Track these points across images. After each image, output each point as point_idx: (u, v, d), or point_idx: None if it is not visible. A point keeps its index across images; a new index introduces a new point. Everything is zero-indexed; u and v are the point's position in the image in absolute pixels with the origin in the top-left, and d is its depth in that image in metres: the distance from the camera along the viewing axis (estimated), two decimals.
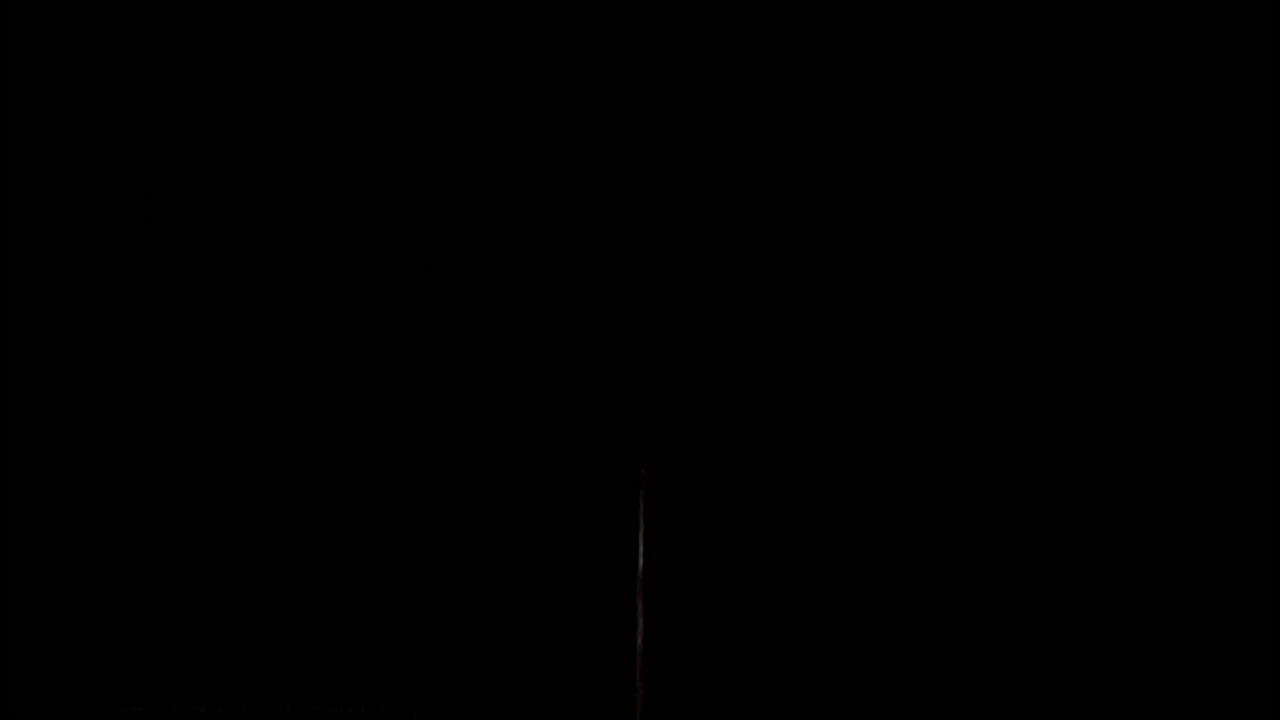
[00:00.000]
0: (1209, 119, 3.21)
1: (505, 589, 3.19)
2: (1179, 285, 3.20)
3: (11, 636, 3.14)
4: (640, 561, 3.19)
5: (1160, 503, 3.17)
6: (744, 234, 3.24)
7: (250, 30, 3.24)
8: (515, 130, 3.26)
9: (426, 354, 3.23)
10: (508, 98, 3.26)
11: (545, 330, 3.24)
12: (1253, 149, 3.19)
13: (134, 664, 3.15)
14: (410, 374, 3.22)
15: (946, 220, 3.23)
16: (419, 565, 3.19)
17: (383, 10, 3.26)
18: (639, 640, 3.17)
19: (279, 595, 3.17)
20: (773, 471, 3.20)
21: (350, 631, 3.17)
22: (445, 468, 3.21)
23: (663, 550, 3.20)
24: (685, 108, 3.26)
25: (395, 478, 3.20)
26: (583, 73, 3.26)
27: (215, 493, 3.18)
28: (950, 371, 3.20)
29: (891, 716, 3.15)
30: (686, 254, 3.25)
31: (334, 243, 3.24)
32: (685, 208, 3.25)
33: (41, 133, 3.23)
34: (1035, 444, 3.19)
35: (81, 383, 3.19)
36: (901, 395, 3.20)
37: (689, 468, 3.21)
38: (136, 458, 3.19)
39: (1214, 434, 3.17)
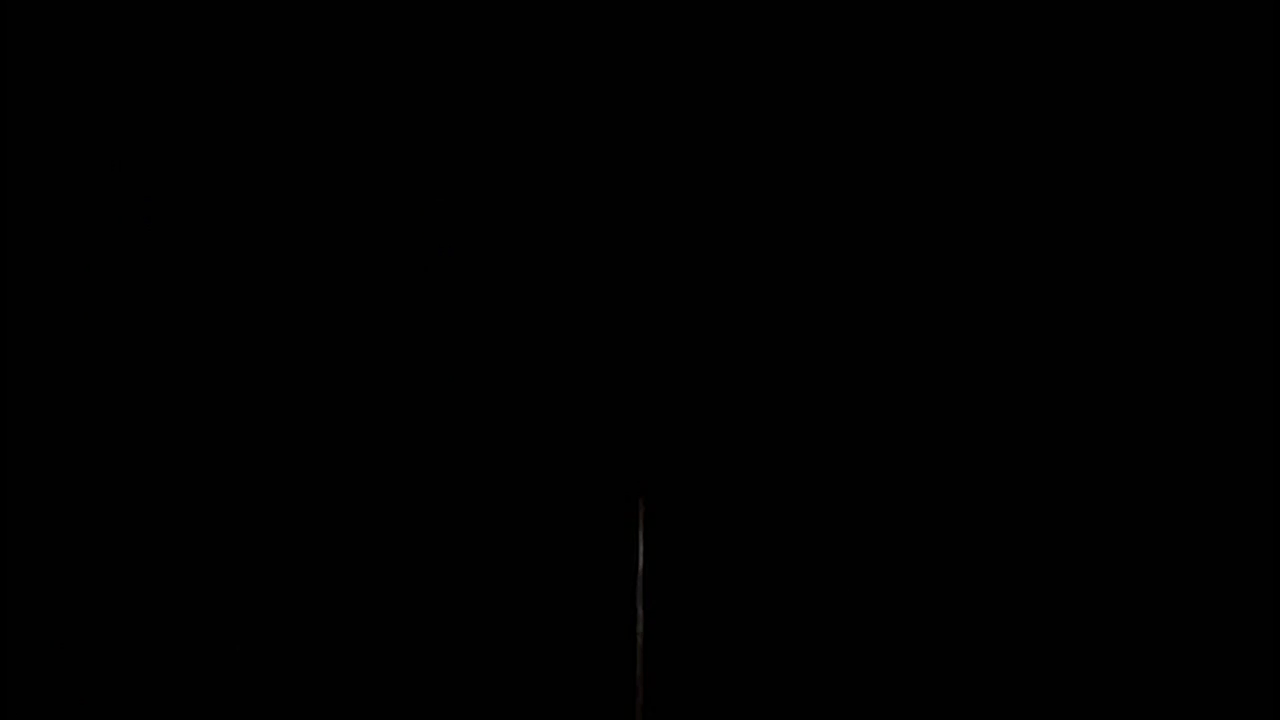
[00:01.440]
0: (1202, 119, 3.22)
1: (505, 589, 3.19)
2: (1172, 284, 3.20)
3: (11, 637, 3.15)
4: (640, 561, 3.19)
5: (1148, 500, 3.17)
6: (741, 242, 3.25)
7: (250, 30, 3.25)
8: (516, 139, 3.27)
9: (430, 357, 3.23)
10: (508, 100, 3.27)
11: (548, 337, 3.24)
12: (1252, 150, 3.20)
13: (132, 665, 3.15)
14: (415, 376, 3.22)
15: (939, 237, 3.23)
16: (418, 566, 3.19)
17: (383, 10, 3.26)
18: (639, 640, 3.17)
19: (285, 598, 3.18)
20: (770, 474, 3.20)
21: (351, 630, 3.17)
22: (444, 471, 3.21)
23: (662, 550, 3.20)
24: (687, 124, 3.26)
25: (400, 479, 3.20)
26: (584, 76, 3.27)
27: (211, 493, 3.19)
28: (943, 383, 3.21)
29: (889, 715, 3.15)
30: (686, 263, 3.25)
31: (335, 249, 3.24)
32: (686, 217, 3.26)
33: (41, 133, 3.23)
34: (1028, 453, 3.19)
35: (81, 383, 3.20)
36: (896, 398, 3.21)
37: (688, 469, 3.21)
38: (136, 458, 3.19)
39: (1210, 434, 3.17)
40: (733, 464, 3.21)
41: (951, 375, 3.21)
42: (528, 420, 3.22)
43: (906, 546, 3.18)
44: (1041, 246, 3.22)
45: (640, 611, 3.18)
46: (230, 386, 3.21)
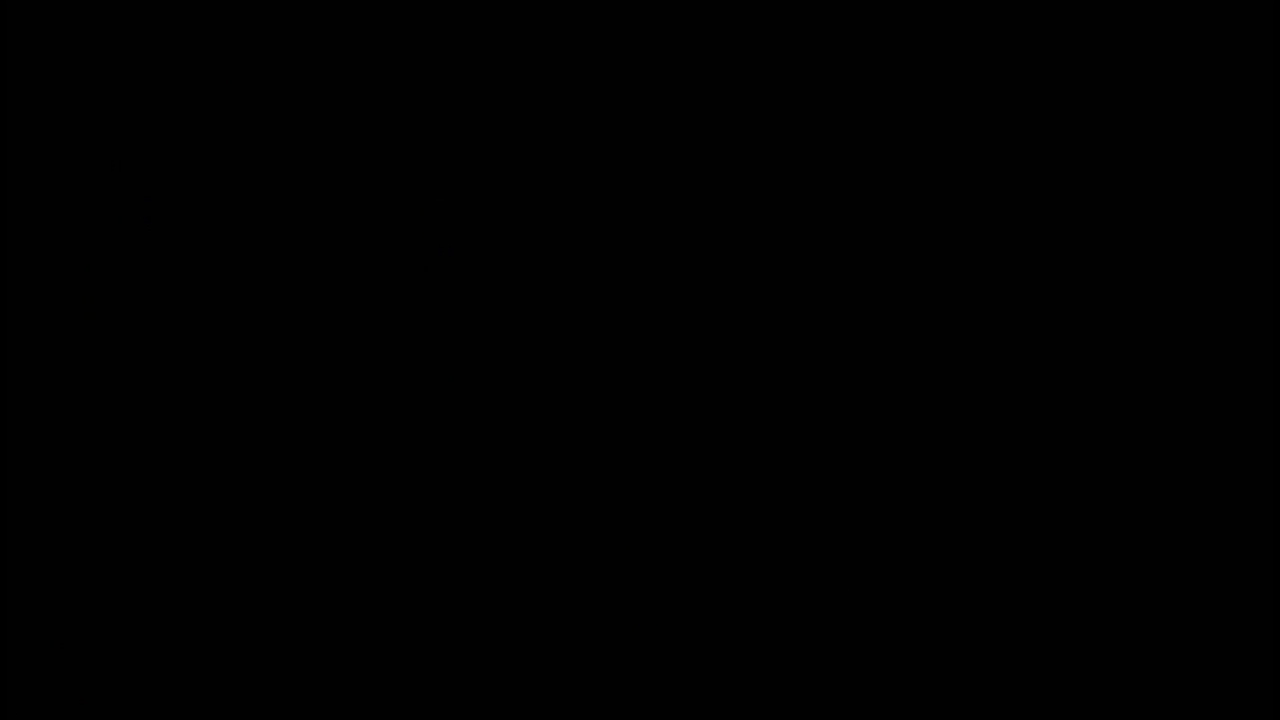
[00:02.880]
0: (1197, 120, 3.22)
1: (505, 588, 3.19)
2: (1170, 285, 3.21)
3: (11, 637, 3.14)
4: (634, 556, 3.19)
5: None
6: (737, 239, 3.25)
7: (250, 30, 3.25)
8: (515, 129, 3.26)
9: (430, 354, 3.23)
10: (508, 97, 3.26)
11: (547, 331, 3.24)
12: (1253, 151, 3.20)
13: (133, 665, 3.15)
14: (413, 374, 3.22)
15: (936, 233, 3.23)
16: (418, 564, 3.19)
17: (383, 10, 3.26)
18: (639, 639, 3.18)
19: (282, 596, 3.18)
20: (767, 471, 3.20)
21: (351, 629, 3.17)
22: (444, 466, 3.21)
23: (660, 544, 3.20)
24: (684, 109, 3.26)
25: (397, 476, 3.20)
26: (583, 72, 3.27)
27: (208, 493, 3.18)
28: (940, 375, 3.21)
29: (887, 714, 3.15)
30: (686, 257, 3.25)
31: (334, 242, 3.24)
32: (685, 209, 3.25)
33: (41, 133, 3.23)
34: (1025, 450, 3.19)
35: (81, 383, 3.20)
36: (894, 394, 3.21)
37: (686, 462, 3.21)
38: (136, 458, 3.19)
39: (1212, 435, 3.17)
40: (729, 459, 3.21)
41: (948, 373, 3.21)
42: (525, 413, 3.22)
43: (904, 544, 3.18)
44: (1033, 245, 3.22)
45: (641, 607, 3.18)
46: (230, 386, 3.21)
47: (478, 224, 3.25)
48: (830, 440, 3.20)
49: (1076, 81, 3.23)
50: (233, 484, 3.19)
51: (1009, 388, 3.20)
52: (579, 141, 3.26)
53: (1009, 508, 3.17)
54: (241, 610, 3.16)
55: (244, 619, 3.16)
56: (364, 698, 3.16)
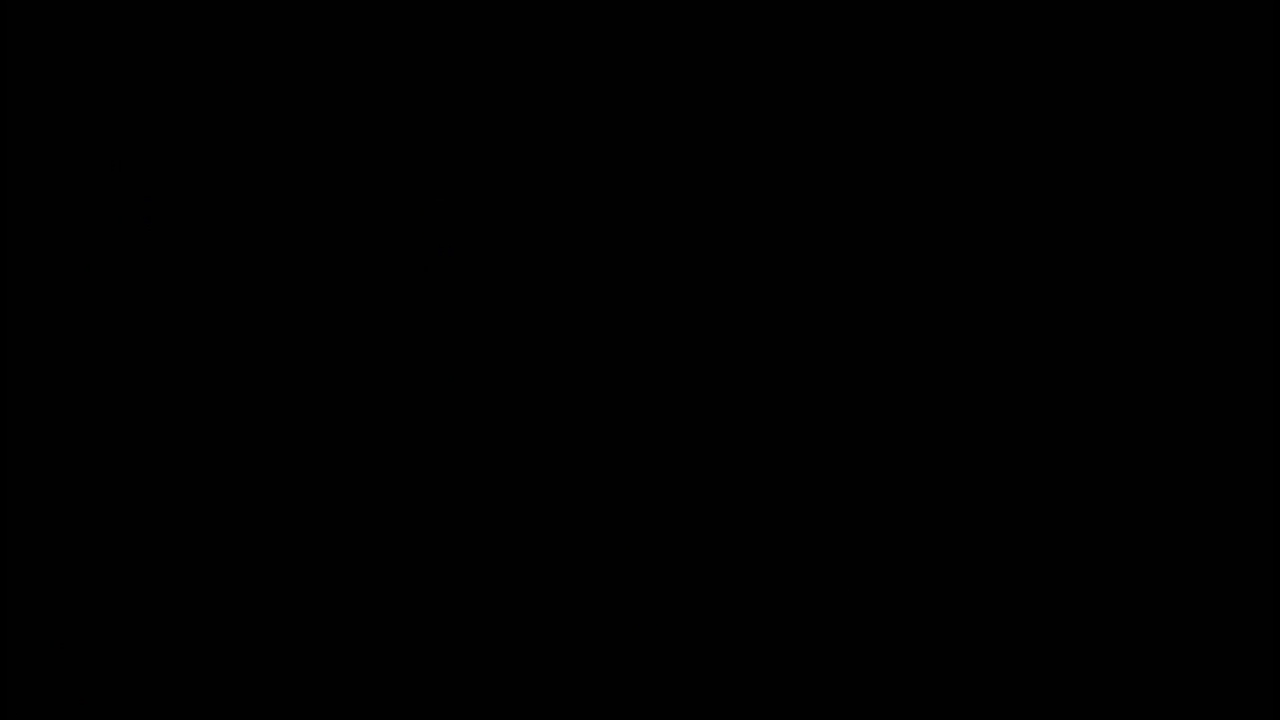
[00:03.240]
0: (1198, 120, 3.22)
1: (505, 587, 3.19)
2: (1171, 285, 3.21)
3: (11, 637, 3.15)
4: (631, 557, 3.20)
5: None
6: (740, 237, 3.25)
7: (250, 30, 3.25)
8: (515, 129, 3.27)
9: (430, 354, 3.23)
10: (508, 97, 3.26)
11: (547, 331, 3.24)
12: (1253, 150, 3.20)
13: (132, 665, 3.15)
14: (413, 373, 3.22)
15: (933, 231, 3.23)
16: (418, 564, 3.19)
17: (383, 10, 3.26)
18: (640, 639, 3.18)
19: (282, 596, 3.18)
20: (766, 469, 3.20)
21: (351, 629, 3.17)
22: (444, 466, 3.21)
23: (658, 545, 3.20)
24: (683, 108, 3.26)
25: (397, 475, 3.20)
26: (583, 73, 3.27)
27: (208, 492, 3.19)
28: (939, 374, 3.21)
29: (886, 715, 3.15)
30: (686, 257, 3.25)
31: (334, 242, 3.24)
32: (684, 209, 3.25)
33: (41, 133, 3.23)
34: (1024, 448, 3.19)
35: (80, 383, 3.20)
36: (894, 391, 3.21)
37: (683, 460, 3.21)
38: (136, 458, 3.19)
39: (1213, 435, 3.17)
40: (727, 457, 3.21)
41: (949, 369, 3.21)
42: (522, 412, 3.22)
43: (904, 544, 3.18)
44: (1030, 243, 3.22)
45: (642, 607, 3.19)
46: (231, 386, 3.21)
47: (477, 224, 3.25)
48: (830, 440, 3.20)
49: (1077, 81, 3.23)
50: (233, 484, 3.19)
51: (1009, 387, 3.20)
52: (578, 142, 3.26)
53: (1009, 507, 3.18)
54: (241, 610, 3.17)
55: (244, 619, 3.16)
56: (364, 698, 3.16)
